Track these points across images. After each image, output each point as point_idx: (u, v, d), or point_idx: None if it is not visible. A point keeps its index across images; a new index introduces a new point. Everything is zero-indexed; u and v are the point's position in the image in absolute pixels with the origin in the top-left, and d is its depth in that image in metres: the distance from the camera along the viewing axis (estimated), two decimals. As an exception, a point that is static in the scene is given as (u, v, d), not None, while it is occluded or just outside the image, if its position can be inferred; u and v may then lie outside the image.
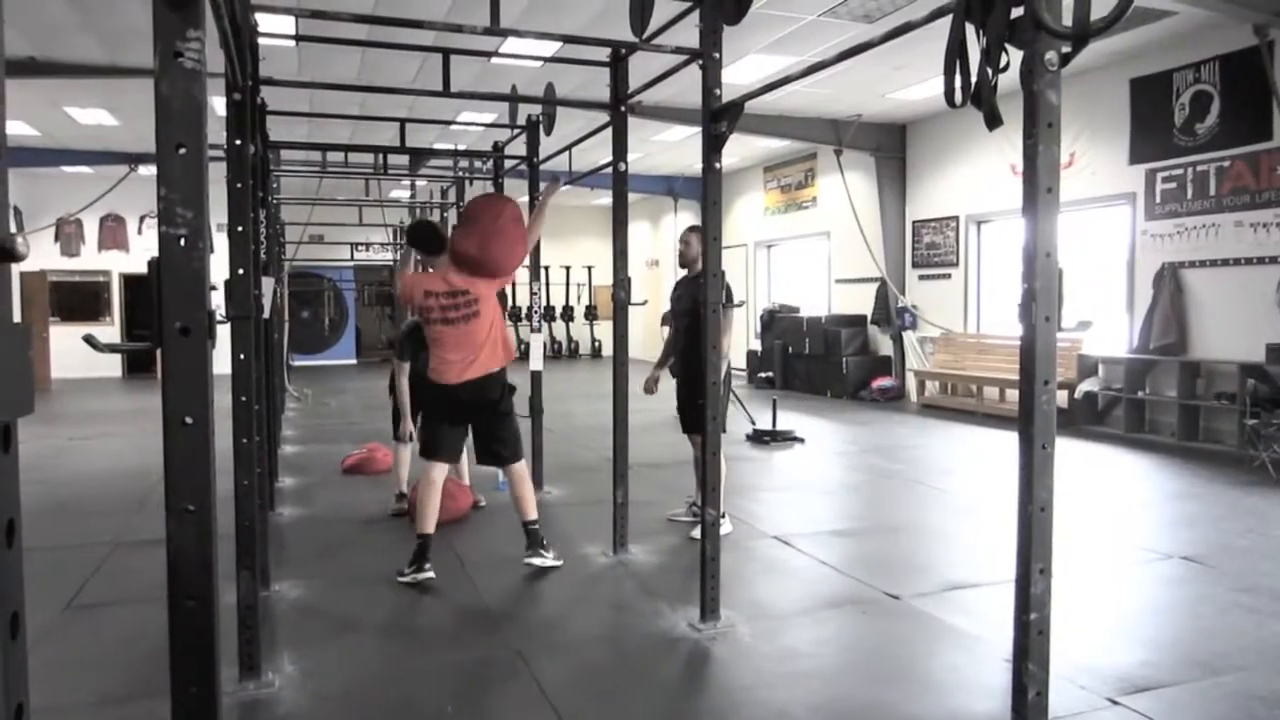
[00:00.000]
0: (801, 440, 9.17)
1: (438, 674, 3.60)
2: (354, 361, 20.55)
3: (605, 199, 19.18)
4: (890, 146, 12.51)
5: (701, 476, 4.34)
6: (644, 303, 5.51)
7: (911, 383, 12.37)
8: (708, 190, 3.76)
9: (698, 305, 4.59)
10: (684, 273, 5.66)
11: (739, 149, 14.22)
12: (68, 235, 16.85)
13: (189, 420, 1.59)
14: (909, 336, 12.50)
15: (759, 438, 9.20)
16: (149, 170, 13.77)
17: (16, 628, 0.55)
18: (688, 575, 4.43)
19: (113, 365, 17.33)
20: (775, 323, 14.43)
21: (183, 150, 1.56)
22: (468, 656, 3.81)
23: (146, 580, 4.70)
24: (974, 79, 2.16)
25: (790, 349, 13.93)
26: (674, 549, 5.20)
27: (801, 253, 15.51)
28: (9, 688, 0.54)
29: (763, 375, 14.35)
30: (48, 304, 16.43)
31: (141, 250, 17.29)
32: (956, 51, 2.15)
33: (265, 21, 4.32)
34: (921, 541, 5.50)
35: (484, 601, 4.40)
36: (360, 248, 17.80)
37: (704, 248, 3.83)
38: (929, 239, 12.27)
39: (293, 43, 7.57)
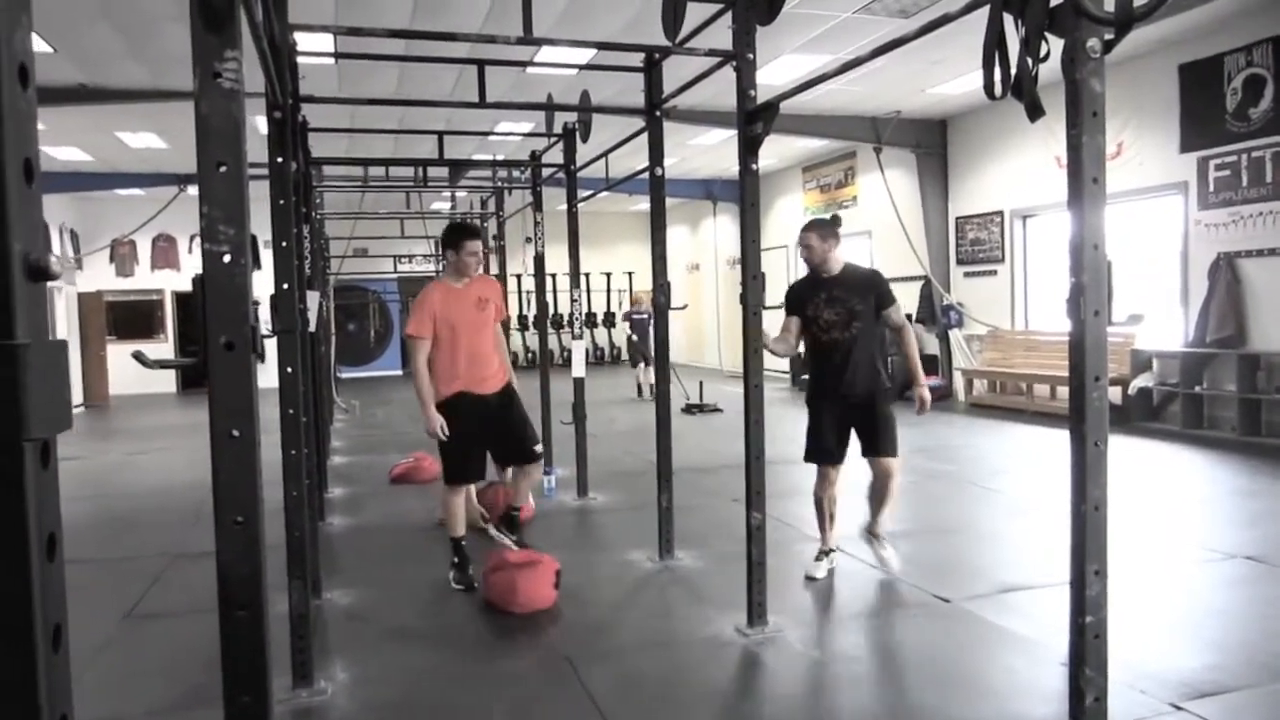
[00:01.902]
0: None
1: (487, 681, 3.61)
2: (399, 372, 20.78)
3: (643, 204, 19.19)
4: (931, 142, 12.35)
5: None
6: (684, 307, 5.48)
7: (959, 382, 12.18)
8: (745, 192, 3.74)
9: (855, 313, 4.53)
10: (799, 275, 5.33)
11: (777, 150, 14.14)
12: (122, 256, 17.30)
13: (236, 433, 1.61)
14: (955, 335, 12.31)
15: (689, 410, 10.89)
16: (196, 190, 14.09)
17: (59, 640, 0.56)
18: (734, 580, 4.39)
19: (168, 382, 17.74)
20: (818, 324, 14.29)
21: (223, 168, 1.58)
22: (516, 663, 3.82)
23: (202, 591, 4.77)
24: (1014, 70, 2.11)
25: (834, 350, 13.78)
26: (720, 554, 5.16)
27: (843, 252, 15.35)
28: (53, 699, 0.54)
29: (805, 378, 14.21)
30: (104, 323, 16.88)
31: (192, 269, 17.66)
32: (995, 42, 2.11)
33: (305, 40, 4.39)
34: (973, 543, 5.41)
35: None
36: (404, 260, 18.01)
37: (743, 249, 3.81)
38: (973, 235, 12.09)
39: (332, 60, 7.69)
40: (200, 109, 1.57)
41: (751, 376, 3.84)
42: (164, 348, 17.71)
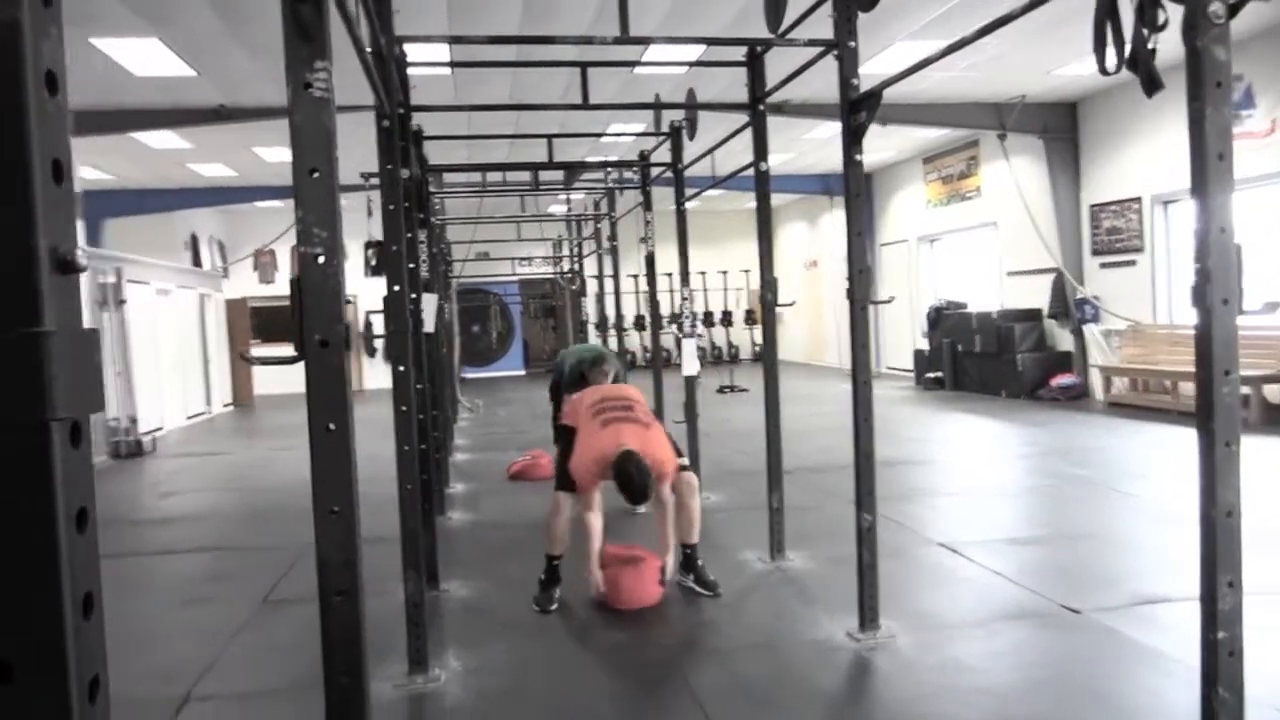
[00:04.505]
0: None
1: (595, 676, 3.65)
2: (522, 372, 21.29)
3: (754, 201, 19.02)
4: (1060, 127, 11.74)
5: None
6: (791, 303, 5.38)
7: (1096, 379, 11.53)
8: (849, 184, 3.64)
9: None
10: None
11: (895, 141, 13.75)
12: (264, 264, 18.35)
13: (331, 427, 1.67)
14: (1091, 330, 11.66)
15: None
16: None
17: (90, 607, 0.59)
18: (847, 583, 4.27)
19: (306, 383, 18.70)
20: (942, 320, 13.83)
21: (315, 174, 1.64)
22: (624, 660, 3.84)
23: (328, 582, 5.03)
24: (1129, 42, 1.98)
25: (959, 347, 13.30)
26: (834, 556, 5.04)
27: (967, 246, 14.80)
28: (82, 663, 0.57)
29: (931, 376, 13.78)
30: (249, 327, 17.95)
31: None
32: (1107, 11, 1.97)
33: (416, 50, 4.54)
34: (1107, 551, 5.10)
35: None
36: (523, 262, 18.42)
37: (848, 243, 3.71)
38: (1109, 224, 11.42)
39: (448, 69, 7.93)
40: (293, 118, 1.63)
41: (860, 373, 3.73)
42: (302, 351, 18.68)
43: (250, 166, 13.23)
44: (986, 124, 11.78)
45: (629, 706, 3.34)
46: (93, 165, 12.19)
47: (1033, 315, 12.39)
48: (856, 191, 3.69)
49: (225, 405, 15.86)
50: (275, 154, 12.45)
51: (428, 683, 3.47)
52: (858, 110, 3.58)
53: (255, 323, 18.33)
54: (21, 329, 0.54)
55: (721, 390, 14.42)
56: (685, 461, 4.63)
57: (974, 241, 14.45)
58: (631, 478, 4.06)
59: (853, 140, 3.64)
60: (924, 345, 14.55)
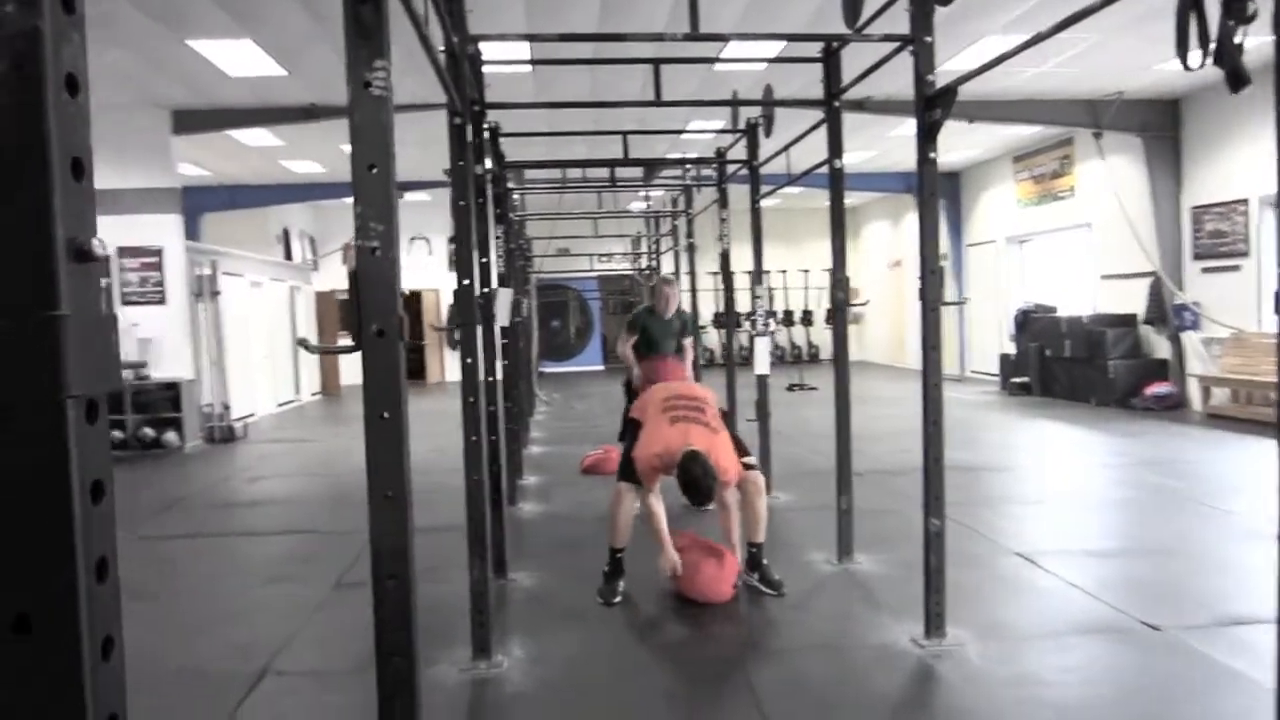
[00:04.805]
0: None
1: (654, 670, 3.67)
2: (601, 367, 21.44)
3: (843, 200, 18.74)
4: (1160, 125, 11.24)
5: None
6: (865, 303, 5.29)
7: (1194, 389, 11.02)
8: (923, 182, 3.56)
9: None
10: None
11: (984, 139, 13.37)
12: (352, 258, 18.90)
13: (386, 415, 1.72)
14: (1190, 337, 11.14)
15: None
16: (413, 196, 15.18)
17: (104, 572, 0.64)
18: (916, 588, 4.19)
19: (390, 374, 19.23)
20: (1030, 324, 13.41)
21: (374, 169, 1.69)
22: (685, 655, 3.85)
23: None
24: (1215, 34, 1.88)
25: (1048, 352, 12.87)
26: (903, 561, 4.94)
27: (1059, 247, 14.30)
28: (94, 623, 0.62)
29: (1016, 381, 13.37)
30: (337, 318, 18.52)
31: (408, 269, 19.04)
32: (1190, 3, 1.88)
33: (493, 49, 4.61)
34: (1195, 568, 4.87)
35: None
36: (603, 258, 18.54)
37: (921, 242, 3.64)
38: (1212, 226, 10.89)
39: (528, 67, 8.03)
40: (353, 116, 1.68)
41: (931, 375, 3.65)
42: (388, 343, 19.22)
43: (339, 163, 13.64)
44: (1081, 121, 11.36)
45: (687, 703, 3.34)
46: (192, 162, 12.74)
47: (1127, 320, 11.90)
48: (931, 190, 3.62)
49: (314, 394, 16.42)
50: (363, 151, 12.81)
51: (491, 669, 3.54)
52: (933, 107, 3.50)
53: (342, 315, 18.92)
54: (40, 313, 0.58)
55: (790, 388, 14.56)
56: (752, 461, 4.60)
57: (1066, 243, 13.96)
58: (697, 479, 4.05)
59: (927, 137, 3.57)
60: (1011, 349, 14.13)
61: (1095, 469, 7.84)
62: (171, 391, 10.37)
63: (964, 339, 16.52)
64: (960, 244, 16.67)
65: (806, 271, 20.23)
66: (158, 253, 10.53)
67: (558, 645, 3.88)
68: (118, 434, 10.16)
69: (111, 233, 8.98)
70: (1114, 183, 11.60)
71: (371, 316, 1.70)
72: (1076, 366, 12.23)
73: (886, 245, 19.56)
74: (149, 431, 10.22)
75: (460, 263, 3.53)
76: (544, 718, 3.26)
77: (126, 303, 10.47)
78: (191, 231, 13.22)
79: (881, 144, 13.26)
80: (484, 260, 4.36)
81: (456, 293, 3.54)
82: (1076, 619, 4.03)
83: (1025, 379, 13.21)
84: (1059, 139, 13.24)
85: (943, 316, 3.69)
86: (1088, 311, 12.66)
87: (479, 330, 3.71)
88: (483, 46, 4.06)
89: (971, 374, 16.16)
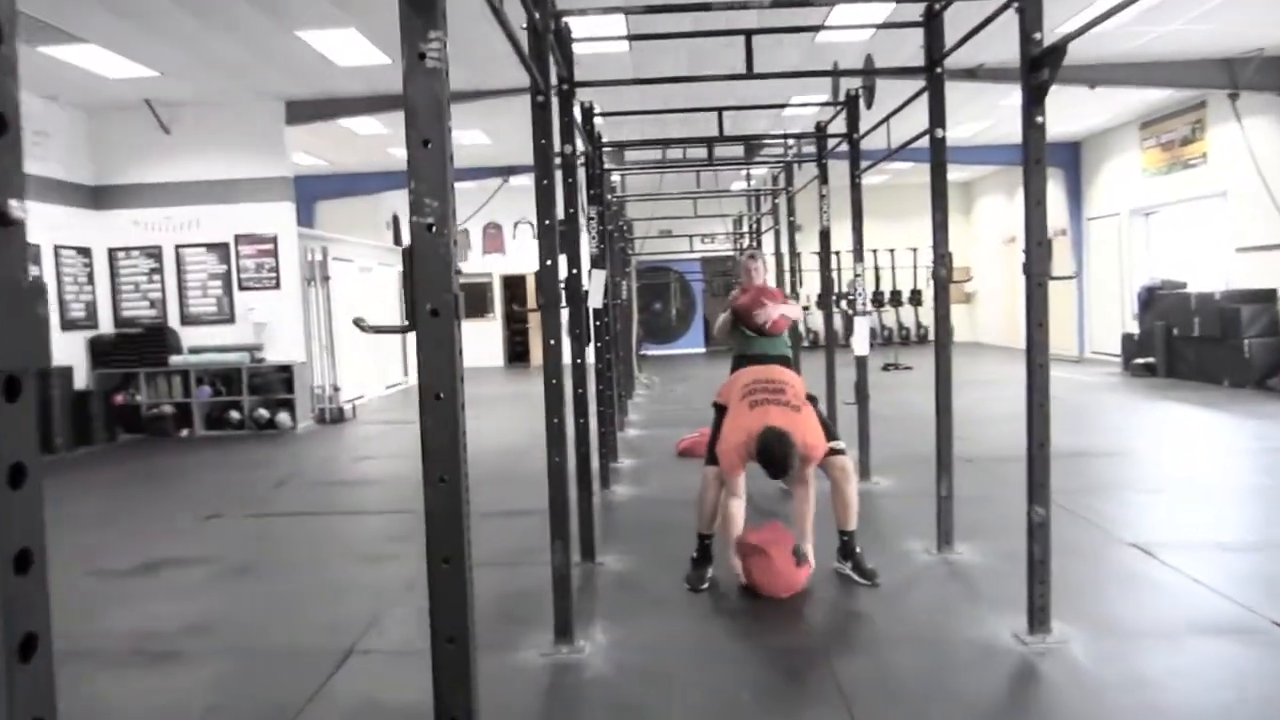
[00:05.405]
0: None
1: (739, 659, 3.58)
2: (703, 350, 21.32)
3: (950, 174, 17.99)
4: (1307, 83, 10.36)
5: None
6: (968, 280, 5.04)
7: (1340, 370, 10.17)
8: (1029, 148, 3.34)
9: None
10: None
11: (1106, 105, 12.58)
12: (457, 244, 19.32)
13: (441, 395, 1.69)
14: (1337, 313, 10.28)
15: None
16: (519, 181, 15.35)
17: (26, 564, 0.59)
18: (1020, 580, 3.98)
19: (495, 356, 19.65)
20: (1156, 301, 12.62)
21: (429, 144, 1.65)
22: (771, 644, 3.76)
23: (495, 546, 5.21)
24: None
25: (1175, 331, 12.09)
26: (1008, 551, 4.68)
27: (1188, 219, 13.38)
28: (12, 619, 0.57)
29: (1140, 362, 12.61)
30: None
31: (515, 253, 19.37)
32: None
33: (583, 25, 4.54)
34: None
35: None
36: (705, 239, 18.38)
37: (1026, 213, 3.42)
38: (1366, 192, 9.99)
39: (625, 46, 7.95)
40: (407, 89, 1.64)
41: (1036, 354, 3.44)
42: (492, 326, 19.62)
43: (444, 149, 13.90)
44: (1215, 82, 10.56)
45: (770, 695, 3.24)
46: (305, 151, 13.20)
47: (1265, 296, 11.04)
48: (1037, 157, 3.39)
49: (421, 376, 16.88)
50: (469, 137, 13.02)
51: (572, 653, 3.52)
52: (1039, 68, 3.27)
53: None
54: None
55: (885, 368, 14.47)
56: (841, 445, 4.44)
57: (1197, 214, 13.05)
58: (771, 447, 3.96)
59: (1033, 101, 3.34)
60: (1134, 328, 13.34)
61: (1226, 455, 7.31)
62: (285, 374, 10.81)
63: (1084, 318, 15.70)
64: (1080, 217, 15.82)
65: (915, 250, 19.58)
66: (272, 240, 10.97)
67: (641, 631, 3.84)
68: (235, 414, 10.68)
69: (229, 221, 9.40)
70: (1251, 148, 10.76)
71: (426, 295, 1.66)
72: (1207, 346, 11.44)
73: (1002, 221, 18.73)
74: (264, 413, 10.69)
75: (544, 244, 3.50)
76: (620, 704, 3.22)
77: (243, 288, 10.96)
78: (306, 219, 13.74)
79: (995, 114, 12.66)
80: (572, 241, 4.32)
81: (538, 274, 3.51)
82: (1198, 617, 3.75)
83: (1150, 359, 12.45)
84: (1190, 102, 12.36)
85: (1061, 294, 3.47)
86: (1220, 287, 11.82)
87: (564, 312, 3.68)
88: (573, 23, 4.01)
89: (1092, 355, 15.36)
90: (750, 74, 4.47)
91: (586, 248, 6.30)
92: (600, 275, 5.84)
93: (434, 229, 1.66)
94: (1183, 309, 11.93)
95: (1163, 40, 9.31)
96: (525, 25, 3.36)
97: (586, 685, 3.30)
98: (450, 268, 1.66)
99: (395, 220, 17.38)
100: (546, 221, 3.47)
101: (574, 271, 4.37)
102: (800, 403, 4.29)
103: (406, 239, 1.67)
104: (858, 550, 4.34)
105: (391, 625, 3.99)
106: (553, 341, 3.53)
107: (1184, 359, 11.95)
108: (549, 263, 3.49)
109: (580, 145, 5.78)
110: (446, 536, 1.69)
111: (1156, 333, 12.36)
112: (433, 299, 1.66)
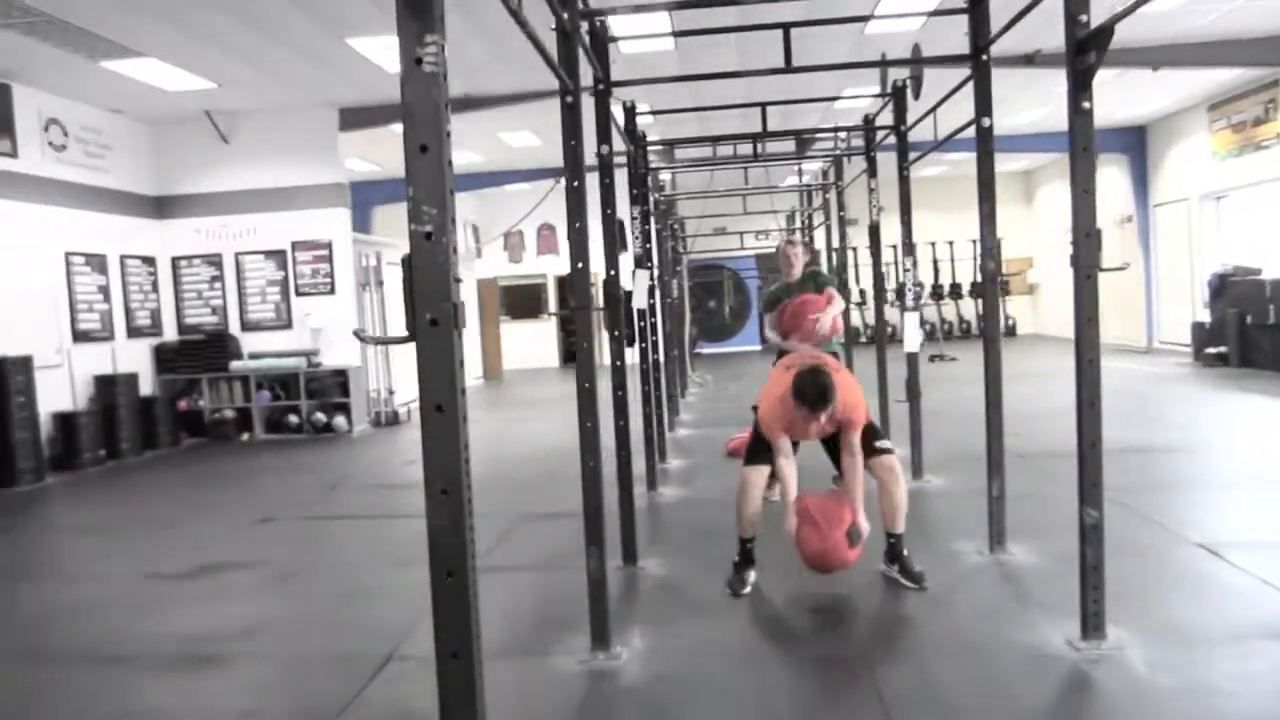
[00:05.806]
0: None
1: (778, 668, 3.50)
2: (758, 348, 21.13)
3: (1009, 163, 17.53)
4: (1390, 56, 9.83)
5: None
6: (1017, 274, 4.88)
7: None
8: (1075, 134, 3.20)
9: None
10: None
11: (1173, 88, 12.12)
12: (513, 245, 19.46)
13: (442, 407, 1.66)
14: None
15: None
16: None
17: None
18: (1073, 582, 3.82)
19: (551, 357, 19.75)
20: (1228, 288, 12.12)
21: (426, 151, 1.62)
22: (811, 652, 3.67)
23: (536, 550, 5.21)
24: None
25: (1249, 319, 11.60)
26: (1062, 552, 4.50)
27: (1263, 202, 12.81)
28: None
29: (1212, 351, 12.13)
30: (498, 305, 19.13)
31: (560, 255, 19.45)
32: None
33: (623, 23, 4.50)
34: None
35: (838, 594, 4.20)
36: (760, 235, 18.20)
37: (1073, 201, 3.28)
38: None
39: (670, 43, 7.89)
40: (405, 93, 1.62)
41: (1085, 350, 3.29)
42: (547, 326, 19.71)
43: (497, 151, 14.00)
44: (1287, 60, 10.10)
45: (808, 705, 3.16)
46: (361, 157, 13.41)
47: (1347, 282, 10.54)
48: (1084, 144, 3.24)
49: (476, 378, 17.04)
50: (520, 139, 13.09)
51: (608, 660, 3.48)
52: (1085, 50, 3.13)
53: (504, 300, 19.53)
54: None
55: (932, 359, 14.49)
56: (888, 445, 4.33)
57: (1272, 197, 12.49)
58: (805, 382, 3.88)
59: (1079, 85, 3.19)
60: (1205, 317, 12.84)
61: (1306, 451, 6.98)
62: (341, 378, 11.00)
63: (1151, 307, 15.16)
64: (1146, 203, 15.28)
65: (974, 241, 19.13)
66: (327, 246, 11.17)
67: (680, 637, 3.78)
68: (293, 418, 10.90)
69: (286, 227, 9.59)
70: (1331, 127, 10.26)
71: (425, 304, 1.64)
72: (1285, 336, 10.97)
73: (1064, 209, 18.15)
74: (321, 416, 10.89)
75: (575, 245, 3.47)
76: (653, 713, 3.17)
77: (299, 294, 11.18)
78: (363, 224, 13.95)
79: (1052, 100, 12.29)
80: (610, 242, 4.28)
81: (570, 276, 3.49)
82: (1268, 621, 3.56)
83: (1222, 349, 11.97)
84: (1263, 81, 11.83)
85: (1129, 283, 3.33)
86: (1298, 274, 11.31)
87: (594, 315, 3.64)
88: (615, 21, 3.97)
89: (1160, 345, 14.83)
90: (789, 68, 4.38)
91: (630, 248, 6.24)
92: (644, 276, 5.80)
93: (432, 237, 1.63)
94: (1257, 296, 11.44)
95: (1228, 18, 8.91)
96: (554, 26, 3.34)
97: (621, 693, 3.26)
98: (450, 276, 1.63)
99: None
100: (577, 224, 3.44)
101: (612, 273, 4.33)
102: (840, 368, 4.23)
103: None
104: (905, 553, 4.22)
105: (430, 631, 3.99)
106: (585, 344, 3.50)
107: (1258, 348, 11.46)
108: (579, 265, 3.46)
109: (621, 145, 5.75)
110: (450, 550, 1.67)
111: (1229, 321, 11.88)
112: (432, 308, 1.64)
